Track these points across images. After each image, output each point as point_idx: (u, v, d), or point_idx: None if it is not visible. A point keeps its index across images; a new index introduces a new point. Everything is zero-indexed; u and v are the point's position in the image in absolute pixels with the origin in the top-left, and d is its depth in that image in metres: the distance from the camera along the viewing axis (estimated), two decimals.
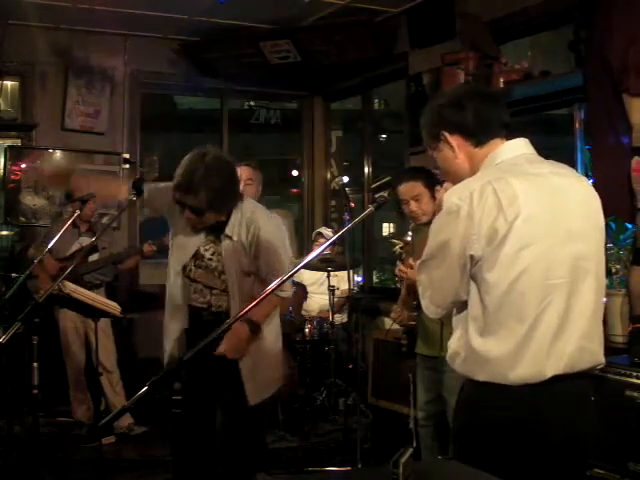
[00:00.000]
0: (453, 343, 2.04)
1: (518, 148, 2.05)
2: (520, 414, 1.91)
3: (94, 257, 5.17)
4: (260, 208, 3.19)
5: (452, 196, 1.96)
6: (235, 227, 3.05)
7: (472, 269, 1.93)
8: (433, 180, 3.53)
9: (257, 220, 3.06)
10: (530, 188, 1.93)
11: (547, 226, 1.92)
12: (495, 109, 2.07)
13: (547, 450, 1.92)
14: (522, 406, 1.91)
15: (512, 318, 1.90)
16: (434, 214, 3.35)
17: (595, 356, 2.00)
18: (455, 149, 2.07)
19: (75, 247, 5.16)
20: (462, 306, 2.00)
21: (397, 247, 3.63)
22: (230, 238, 3.05)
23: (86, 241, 5.11)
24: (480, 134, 2.04)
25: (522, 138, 2.08)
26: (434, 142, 2.11)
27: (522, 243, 1.89)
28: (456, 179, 2.08)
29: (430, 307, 2.05)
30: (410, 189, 3.49)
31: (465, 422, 2.04)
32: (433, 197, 3.48)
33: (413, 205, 3.49)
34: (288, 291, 3.20)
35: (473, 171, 2.04)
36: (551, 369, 1.90)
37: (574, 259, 1.95)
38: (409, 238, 3.47)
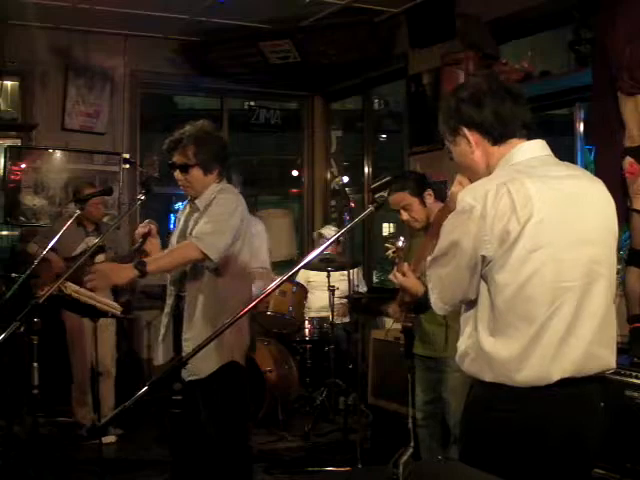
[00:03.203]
0: (462, 343, 2.03)
1: (535, 150, 2.03)
2: (527, 416, 1.90)
3: (101, 257, 5.13)
4: (233, 191, 3.20)
5: (467, 195, 1.94)
6: (206, 200, 3.15)
7: (483, 269, 1.92)
8: (422, 185, 3.59)
9: (219, 193, 3.13)
10: (544, 190, 1.91)
11: (559, 229, 1.90)
12: (516, 108, 2.03)
13: (552, 453, 1.91)
14: (529, 409, 1.90)
15: (521, 319, 1.89)
16: (427, 219, 3.48)
17: (605, 360, 1.98)
18: (472, 145, 2.04)
19: (81, 247, 5.10)
20: (471, 304, 2.00)
21: (390, 252, 3.64)
22: (198, 210, 3.15)
23: (93, 241, 5.07)
24: (498, 133, 2.02)
25: (540, 140, 2.05)
26: (452, 136, 2.09)
27: (533, 245, 1.87)
28: (471, 174, 2.07)
29: (438, 304, 2.05)
30: (398, 200, 3.57)
31: (472, 423, 2.04)
32: (423, 203, 3.55)
33: (404, 214, 3.58)
34: (211, 253, 2.98)
35: (489, 168, 2.03)
36: (558, 372, 1.89)
37: (587, 262, 1.93)
38: (400, 243, 3.52)
